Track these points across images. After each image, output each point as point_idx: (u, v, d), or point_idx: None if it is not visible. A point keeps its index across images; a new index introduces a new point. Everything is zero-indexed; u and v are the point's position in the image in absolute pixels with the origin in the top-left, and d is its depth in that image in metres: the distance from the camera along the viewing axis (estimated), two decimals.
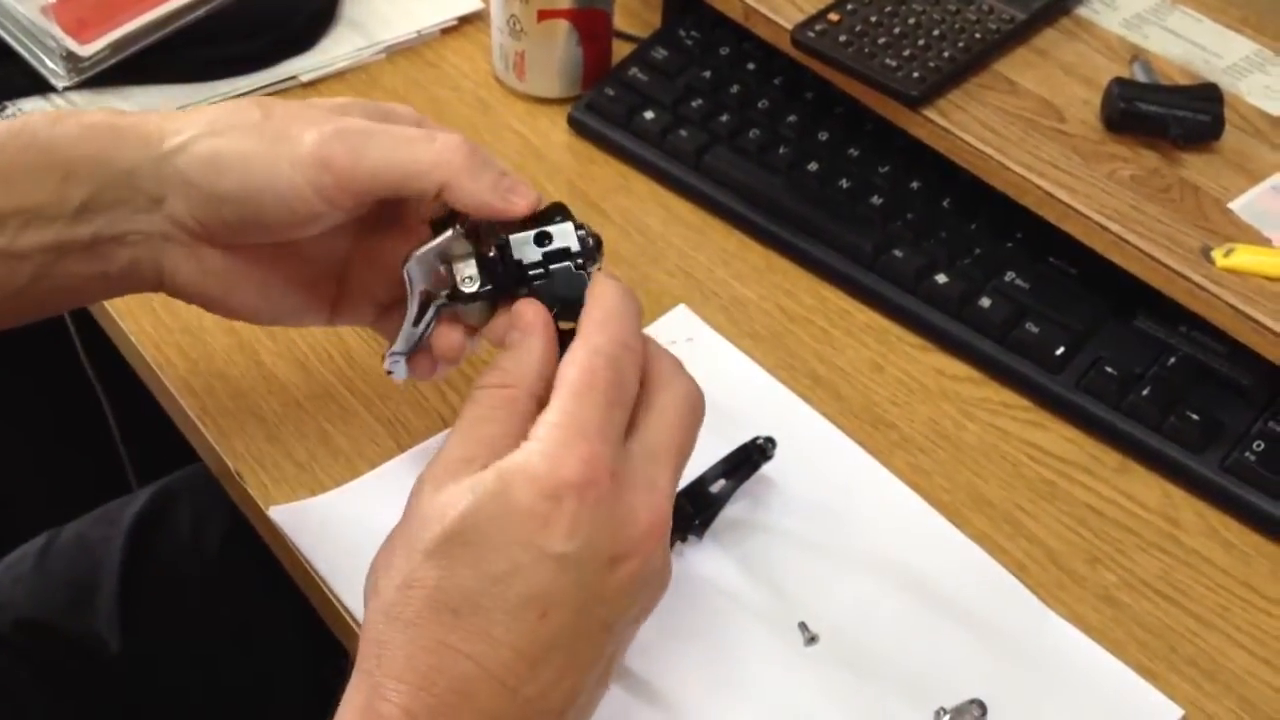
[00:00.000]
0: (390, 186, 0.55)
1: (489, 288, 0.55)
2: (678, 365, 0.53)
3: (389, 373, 0.58)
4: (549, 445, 0.47)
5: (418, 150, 0.54)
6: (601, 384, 0.48)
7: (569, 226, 0.55)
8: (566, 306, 0.53)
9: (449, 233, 0.55)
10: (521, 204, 0.55)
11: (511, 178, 0.55)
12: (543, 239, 0.55)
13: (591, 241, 0.56)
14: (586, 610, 0.47)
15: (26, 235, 0.56)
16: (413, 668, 0.45)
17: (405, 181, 0.54)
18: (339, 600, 0.61)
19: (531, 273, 0.55)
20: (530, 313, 0.52)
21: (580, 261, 0.55)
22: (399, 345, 0.57)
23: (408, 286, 0.56)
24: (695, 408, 0.52)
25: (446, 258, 0.55)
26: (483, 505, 0.46)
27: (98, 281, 0.59)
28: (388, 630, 0.46)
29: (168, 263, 0.58)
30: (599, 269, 0.56)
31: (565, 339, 0.52)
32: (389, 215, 0.60)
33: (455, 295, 0.55)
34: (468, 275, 0.55)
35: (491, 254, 0.55)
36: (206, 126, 0.56)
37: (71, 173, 0.56)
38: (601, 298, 0.52)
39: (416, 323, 0.56)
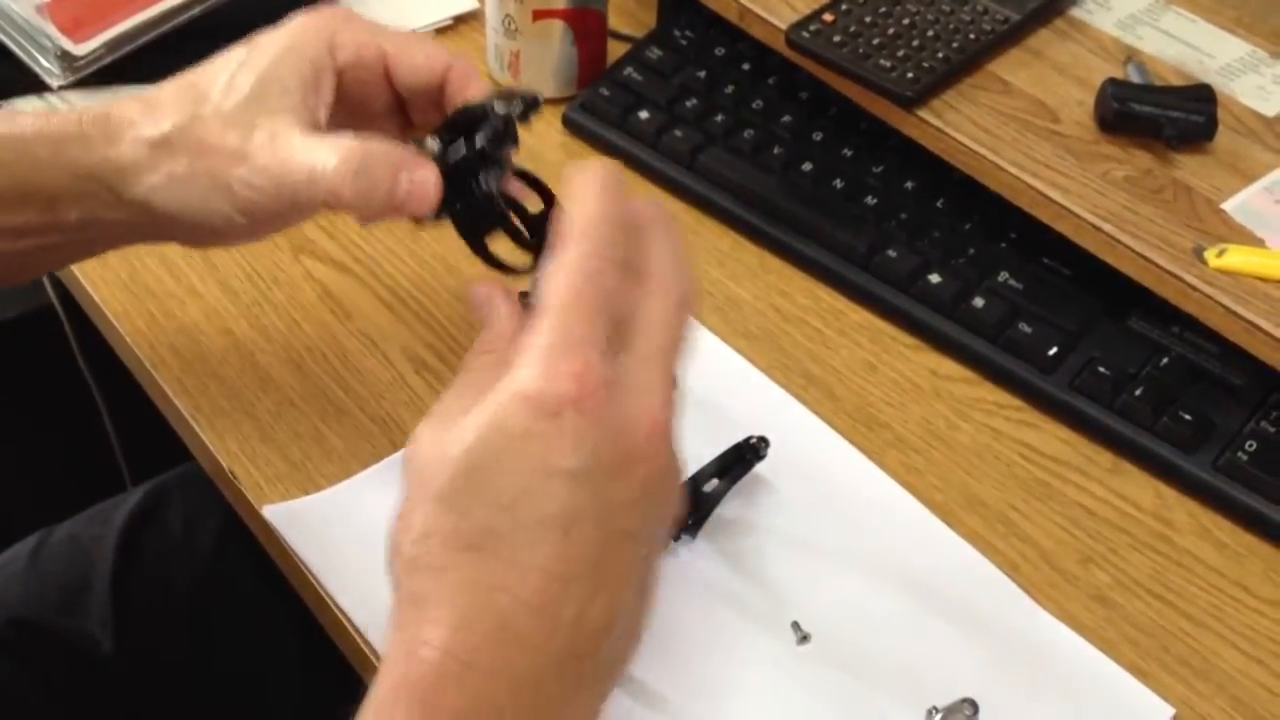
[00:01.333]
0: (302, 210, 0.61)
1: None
2: (667, 261, 0.51)
3: None
4: (539, 365, 0.46)
5: (316, 188, 0.57)
6: (585, 299, 0.47)
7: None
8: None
9: None
10: (417, 208, 0.57)
11: (403, 190, 0.57)
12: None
13: (503, 124, 0.58)
14: (606, 521, 0.46)
15: (22, 242, 0.62)
16: (449, 608, 0.45)
17: (315, 206, 0.59)
18: (332, 599, 0.61)
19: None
20: (481, 292, 0.53)
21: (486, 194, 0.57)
22: None
23: None
24: (684, 304, 0.51)
25: None
26: (483, 438, 0.46)
27: (96, 253, 0.69)
28: (416, 581, 0.46)
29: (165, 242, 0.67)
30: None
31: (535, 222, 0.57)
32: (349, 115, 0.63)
33: None
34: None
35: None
36: (152, 174, 0.59)
37: (56, 201, 0.61)
38: (580, 201, 0.50)
39: None
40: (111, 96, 0.85)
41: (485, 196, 0.56)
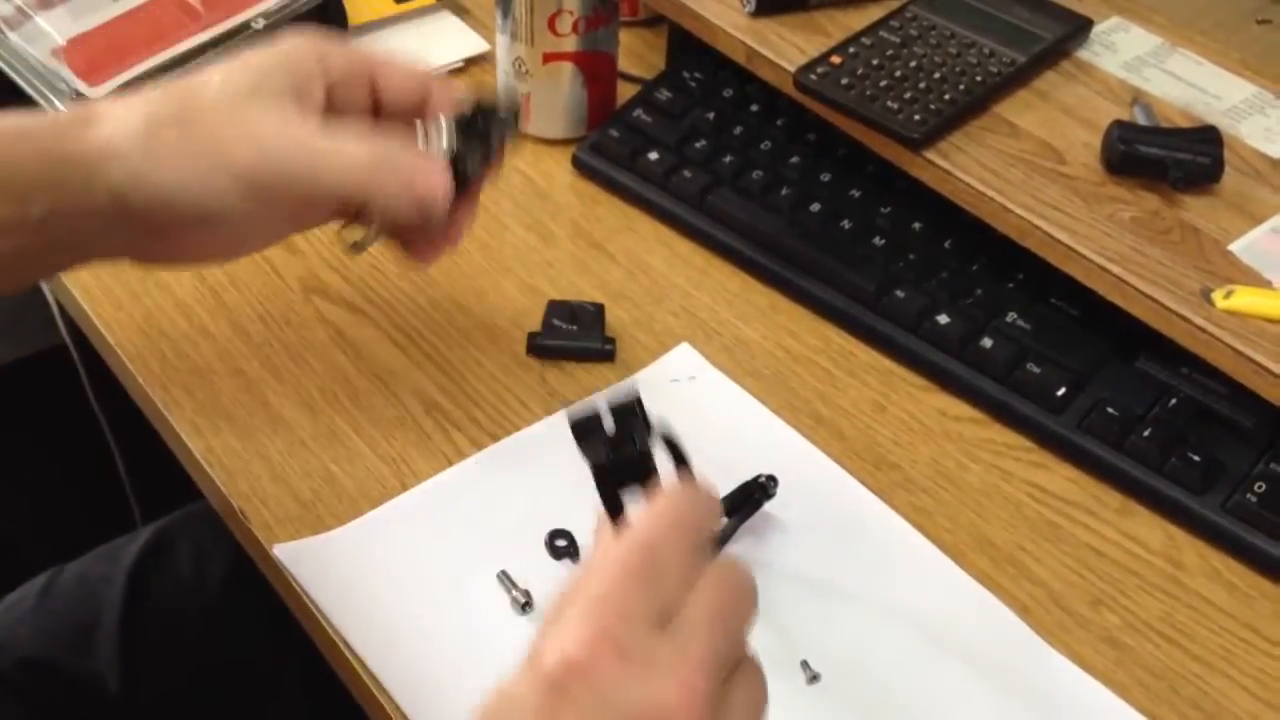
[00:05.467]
0: (319, 199, 0.61)
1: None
2: (730, 558, 0.48)
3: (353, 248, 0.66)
4: (557, 628, 0.43)
5: (342, 173, 0.59)
6: (631, 564, 0.44)
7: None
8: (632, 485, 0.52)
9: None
10: (432, 202, 0.61)
11: (421, 181, 0.61)
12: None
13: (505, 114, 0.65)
14: None
15: None
16: None
17: (331, 196, 0.61)
18: (342, 638, 0.61)
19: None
20: (602, 535, 0.49)
21: (641, 451, 0.51)
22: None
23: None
24: (738, 580, 0.46)
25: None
26: (489, 709, 0.43)
27: (63, 264, 0.67)
28: None
29: (134, 256, 0.64)
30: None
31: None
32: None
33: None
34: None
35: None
36: (144, 156, 0.58)
37: (26, 194, 0.58)
38: (660, 494, 0.48)
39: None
40: None
41: (640, 454, 0.51)
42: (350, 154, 0.59)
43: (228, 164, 0.58)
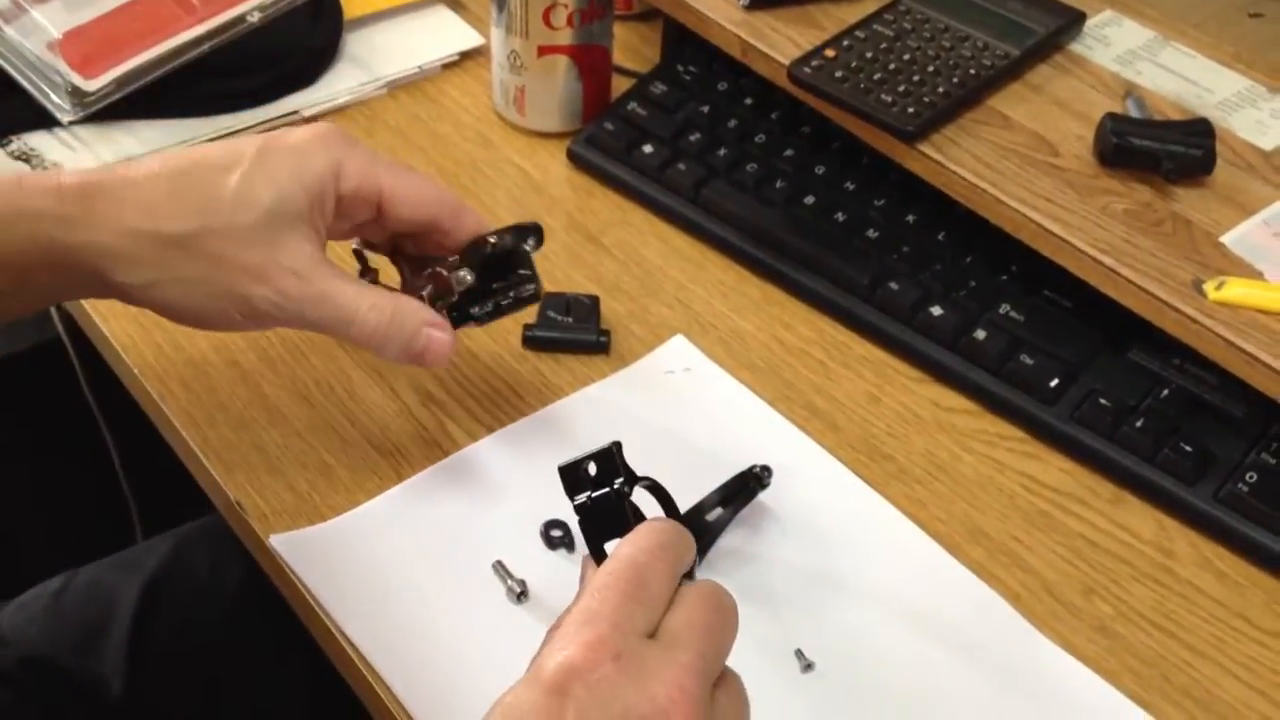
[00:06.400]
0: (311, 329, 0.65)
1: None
2: (711, 581, 0.51)
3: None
4: (556, 639, 0.46)
5: (348, 330, 0.63)
6: (620, 583, 0.48)
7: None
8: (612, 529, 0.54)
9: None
10: (432, 363, 0.64)
11: (422, 344, 0.64)
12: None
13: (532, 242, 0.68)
14: None
15: None
16: None
17: (331, 334, 0.65)
18: (338, 628, 0.62)
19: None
20: (588, 571, 0.54)
21: (617, 490, 0.54)
22: None
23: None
24: (720, 598, 0.50)
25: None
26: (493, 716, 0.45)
27: (43, 308, 0.70)
28: None
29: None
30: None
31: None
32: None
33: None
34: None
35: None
36: (158, 271, 0.61)
37: (27, 270, 0.61)
38: (643, 524, 0.52)
39: None
40: (122, 133, 0.86)
41: (618, 495, 0.54)
42: (361, 313, 0.62)
43: (241, 298, 0.61)
